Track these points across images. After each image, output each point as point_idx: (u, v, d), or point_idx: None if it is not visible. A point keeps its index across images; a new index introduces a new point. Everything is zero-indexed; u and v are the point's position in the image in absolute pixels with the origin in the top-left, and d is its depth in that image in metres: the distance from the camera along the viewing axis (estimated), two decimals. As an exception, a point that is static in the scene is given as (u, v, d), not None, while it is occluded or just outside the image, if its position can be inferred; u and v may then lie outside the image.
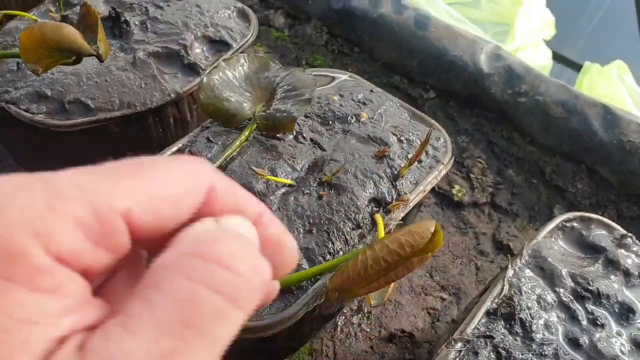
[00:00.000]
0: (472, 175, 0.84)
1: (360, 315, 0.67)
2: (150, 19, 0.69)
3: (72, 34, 0.49)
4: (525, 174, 0.84)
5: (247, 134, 0.55)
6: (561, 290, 0.50)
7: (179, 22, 0.69)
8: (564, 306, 0.49)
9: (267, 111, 0.56)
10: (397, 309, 0.68)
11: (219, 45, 0.68)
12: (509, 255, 0.63)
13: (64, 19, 0.69)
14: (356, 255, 0.40)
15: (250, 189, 0.51)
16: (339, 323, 0.66)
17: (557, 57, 1.19)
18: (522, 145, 0.85)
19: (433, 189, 0.83)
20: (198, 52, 0.67)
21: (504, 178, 0.84)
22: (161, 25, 0.69)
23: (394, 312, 0.68)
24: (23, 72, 0.61)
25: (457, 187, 0.83)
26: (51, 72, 0.61)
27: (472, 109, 0.89)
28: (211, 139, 0.56)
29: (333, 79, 0.68)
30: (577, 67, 1.11)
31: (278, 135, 0.58)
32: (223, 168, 0.53)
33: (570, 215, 0.57)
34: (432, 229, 0.36)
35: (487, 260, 0.76)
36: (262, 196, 0.51)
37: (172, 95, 0.62)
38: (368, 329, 0.66)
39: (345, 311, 0.67)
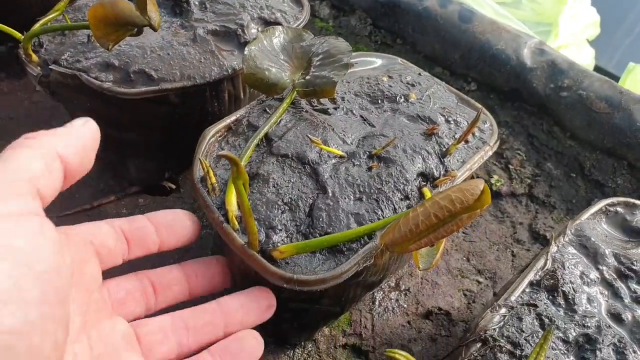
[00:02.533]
0: (510, 167, 0.85)
1: (397, 292, 0.69)
2: None
3: (126, 7, 0.52)
4: (564, 168, 0.85)
5: (288, 101, 0.57)
6: (604, 268, 0.51)
7: (237, 3, 0.72)
8: (606, 283, 0.50)
9: (306, 78, 0.58)
10: (434, 288, 0.70)
11: (273, 27, 0.71)
12: (552, 229, 0.64)
13: (130, -4, 0.73)
14: (407, 212, 0.42)
15: (304, 157, 0.54)
16: (377, 297, 0.68)
17: (600, 57, 1.19)
18: (562, 139, 0.86)
19: (472, 178, 0.84)
20: (254, 32, 0.70)
21: (543, 171, 0.85)
22: (220, 6, 0.72)
23: (431, 291, 0.70)
24: (93, 44, 0.66)
25: (495, 177, 0.84)
26: (118, 45, 0.65)
27: (513, 102, 0.90)
28: (267, 110, 0.59)
29: (380, 62, 0.71)
30: (621, 68, 1.10)
31: (329, 110, 0.61)
32: (278, 136, 0.56)
33: (615, 200, 0.58)
34: (482, 187, 0.38)
35: (524, 249, 0.77)
36: (315, 164, 0.53)
37: (229, 71, 0.65)
38: (405, 305, 0.68)
39: (383, 287, 0.69)
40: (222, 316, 0.45)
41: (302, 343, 0.63)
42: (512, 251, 0.76)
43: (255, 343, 0.45)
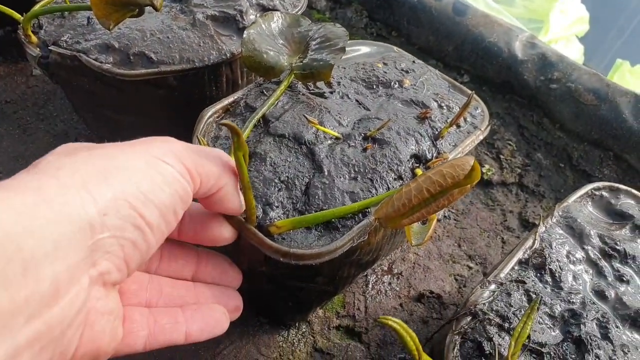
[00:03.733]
0: (501, 157, 0.87)
1: (390, 276, 0.70)
2: (209, -15, 0.74)
3: None
4: (553, 158, 0.87)
5: (285, 83, 0.59)
6: (589, 248, 0.53)
7: (235, -11, 0.73)
8: (591, 262, 0.52)
9: (304, 61, 0.59)
10: (426, 272, 0.72)
11: (271, 13, 0.73)
12: (540, 215, 0.66)
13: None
14: (400, 188, 0.43)
15: (300, 137, 0.55)
16: (371, 280, 0.69)
17: (589, 53, 1.21)
18: (551, 130, 0.88)
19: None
20: (252, 18, 0.71)
21: (532, 161, 0.87)
22: (218, -8, 0.73)
23: (423, 275, 0.71)
24: (92, 26, 0.66)
25: (487, 166, 0.86)
26: (118, 27, 0.66)
27: (504, 94, 0.92)
28: (264, 92, 0.61)
29: (376, 49, 0.72)
30: (609, 64, 1.13)
31: (325, 94, 0.62)
32: (275, 117, 0.57)
33: (600, 184, 0.60)
34: (472, 163, 0.40)
35: (514, 236, 0.78)
36: (311, 145, 0.55)
37: (228, 55, 0.67)
38: (398, 288, 0.69)
39: (376, 270, 0.70)
40: (194, 296, 0.45)
41: (297, 324, 0.64)
42: (502, 238, 0.78)
43: (223, 316, 0.45)
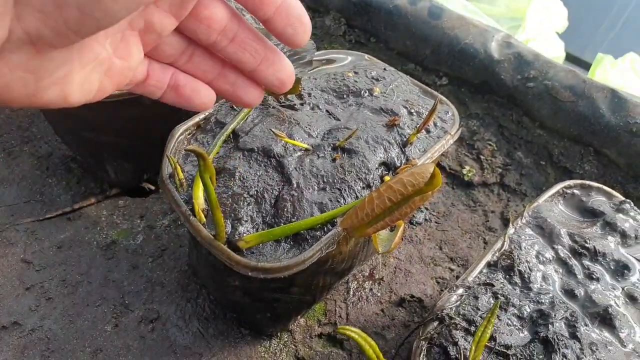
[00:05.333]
0: (482, 157, 0.87)
1: (371, 281, 0.71)
2: (181, 4, 0.75)
3: None
4: (533, 156, 0.87)
5: None
6: (559, 247, 0.53)
7: (207, 6, 0.74)
8: (561, 261, 0.52)
9: None
10: (407, 277, 0.72)
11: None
12: (511, 215, 0.66)
13: None
14: (364, 198, 0.44)
15: (269, 151, 0.56)
16: (352, 287, 0.70)
17: (571, 49, 1.21)
18: (531, 128, 0.88)
19: (444, 169, 0.87)
20: (224, 33, 0.72)
21: (513, 160, 0.87)
22: (190, 10, 0.74)
23: (404, 279, 0.72)
24: (66, 50, 0.68)
25: (467, 167, 0.86)
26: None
27: (483, 94, 0.92)
28: (234, 107, 0.61)
29: (348, 59, 0.73)
30: (591, 59, 1.13)
31: (296, 106, 0.63)
32: (245, 132, 0.58)
33: (571, 182, 0.60)
34: (431, 170, 0.40)
35: (495, 236, 0.79)
36: (280, 157, 0.55)
37: (200, 72, 0.67)
38: (379, 294, 0.70)
39: (357, 277, 0.71)
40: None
41: (278, 334, 0.65)
42: (484, 239, 0.78)
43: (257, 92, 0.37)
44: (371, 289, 0.70)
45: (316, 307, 0.67)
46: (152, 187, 0.82)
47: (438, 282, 0.72)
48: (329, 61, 0.71)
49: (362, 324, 0.67)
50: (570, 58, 1.31)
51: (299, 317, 0.65)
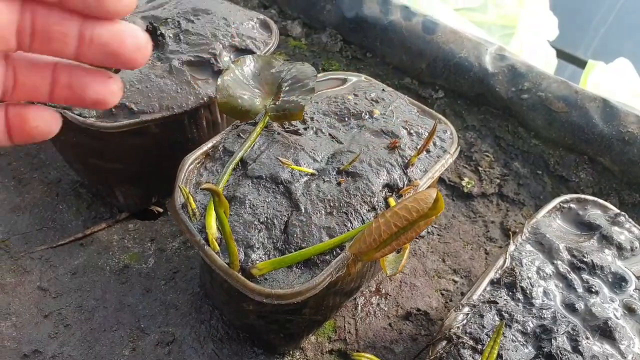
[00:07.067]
0: (480, 168, 0.89)
1: (378, 296, 0.73)
2: (183, 31, 0.77)
3: None
4: (530, 166, 0.89)
5: (261, 125, 0.62)
6: (559, 262, 0.56)
7: (209, 33, 0.77)
8: (561, 276, 0.55)
9: (277, 103, 0.62)
10: (413, 290, 0.74)
11: (245, 53, 0.76)
12: (511, 232, 0.69)
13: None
14: (370, 223, 0.46)
15: (277, 177, 0.58)
16: (359, 303, 0.72)
17: (562, 57, 1.24)
18: (526, 139, 0.91)
19: (444, 181, 0.89)
20: (226, 60, 0.74)
21: (511, 170, 0.89)
22: (193, 37, 0.76)
23: (410, 293, 0.74)
24: (74, 82, 0.69)
25: (466, 179, 0.88)
26: (98, 81, 0.69)
27: (479, 106, 0.94)
28: (241, 135, 0.64)
29: (348, 80, 0.75)
30: (582, 65, 1.15)
31: (299, 131, 0.65)
32: (252, 159, 0.60)
33: (568, 197, 0.62)
34: (434, 196, 0.42)
35: (496, 246, 0.81)
36: (288, 183, 0.57)
37: (205, 99, 0.70)
38: (386, 308, 0.72)
39: (364, 292, 0.73)
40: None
41: (290, 352, 0.67)
42: (486, 249, 0.81)
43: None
44: (378, 304, 0.72)
45: (326, 324, 0.69)
46: (161, 210, 0.83)
47: (442, 295, 0.74)
48: (339, 82, 0.73)
49: (371, 339, 0.69)
50: (562, 60, 1.33)
51: (310, 335, 0.67)
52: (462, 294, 0.72)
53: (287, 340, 0.65)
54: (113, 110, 0.67)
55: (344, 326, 0.69)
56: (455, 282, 0.76)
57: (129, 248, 0.77)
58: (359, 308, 0.71)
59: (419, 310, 0.72)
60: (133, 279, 0.72)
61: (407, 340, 0.69)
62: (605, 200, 0.83)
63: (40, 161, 0.88)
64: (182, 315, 0.68)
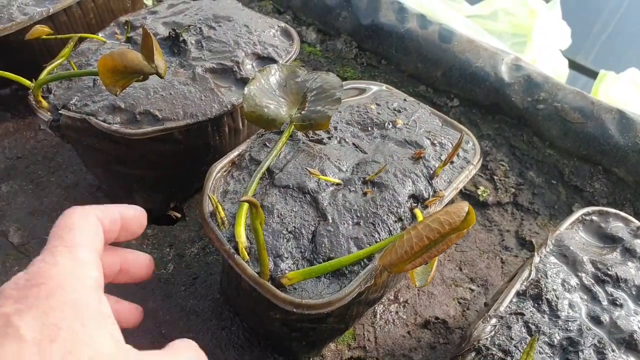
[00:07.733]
0: (495, 177, 0.90)
1: (397, 305, 0.74)
2: (205, 38, 0.77)
3: (135, 57, 0.56)
4: (545, 176, 0.90)
5: (286, 134, 0.62)
6: (583, 274, 0.56)
7: (231, 40, 0.77)
8: (585, 288, 0.55)
9: (302, 113, 0.63)
10: (430, 299, 0.75)
11: (267, 61, 0.76)
12: (535, 243, 0.69)
13: (129, 40, 0.78)
14: (402, 235, 0.47)
15: (304, 187, 0.58)
16: (378, 311, 0.72)
17: (574, 66, 1.25)
18: (541, 148, 0.91)
19: (460, 190, 0.90)
20: (249, 67, 0.75)
21: (525, 179, 0.90)
22: (215, 44, 0.77)
23: (428, 301, 0.74)
24: (99, 88, 0.70)
25: (482, 188, 0.89)
26: (122, 87, 0.69)
27: (494, 115, 0.95)
28: (266, 144, 0.64)
29: (368, 89, 0.76)
30: (593, 75, 1.16)
31: (324, 140, 0.65)
32: (279, 169, 0.60)
33: (590, 209, 0.63)
34: (466, 209, 0.43)
35: (512, 255, 0.82)
36: (314, 193, 0.58)
37: (229, 107, 0.70)
38: (405, 317, 0.72)
39: (383, 301, 0.73)
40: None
41: (311, 359, 0.67)
42: (501, 258, 0.81)
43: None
44: (397, 312, 0.73)
45: (346, 332, 0.69)
46: (179, 215, 0.84)
47: (460, 303, 0.75)
48: (359, 91, 0.74)
49: (390, 347, 0.69)
50: (574, 70, 1.34)
51: (331, 342, 0.68)
52: (486, 305, 0.72)
53: (308, 347, 0.65)
54: (137, 116, 0.67)
55: (364, 334, 0.70)
56: (472, 290, 0.77)
57: (148, 253, 0.77)
58: (378, 316, 0.72)
59: (437, 318, 0.72)
60: (153, 285, 0.73)
61: (426, 348, 0.70)
62: (620, 211, 0.84)
63: (57, 164, 0.89)
64: (203, 322, 0.69)
